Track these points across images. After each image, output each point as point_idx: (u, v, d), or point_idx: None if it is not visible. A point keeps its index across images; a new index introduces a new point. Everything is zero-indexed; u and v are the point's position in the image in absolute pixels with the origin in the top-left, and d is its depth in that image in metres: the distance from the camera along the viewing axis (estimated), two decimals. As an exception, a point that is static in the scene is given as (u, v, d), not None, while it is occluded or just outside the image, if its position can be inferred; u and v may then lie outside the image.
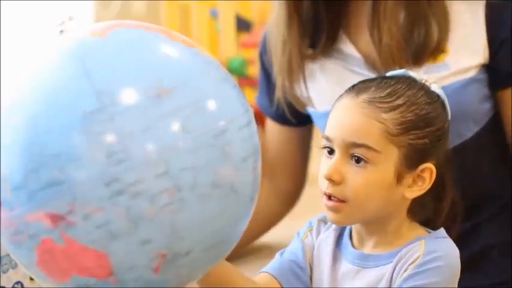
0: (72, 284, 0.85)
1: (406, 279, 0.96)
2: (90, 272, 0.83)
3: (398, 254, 0.99)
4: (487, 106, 1.26)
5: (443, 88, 1.14)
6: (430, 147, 1.00)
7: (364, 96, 1.00)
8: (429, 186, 1.01)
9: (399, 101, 1.00)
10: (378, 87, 1.01)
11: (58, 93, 0.82)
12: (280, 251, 1.10)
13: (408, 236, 1.02)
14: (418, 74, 1.06)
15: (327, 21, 1.29)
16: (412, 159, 0.99)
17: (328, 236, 1.07)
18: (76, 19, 2.49)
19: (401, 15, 1.22)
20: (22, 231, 0.83)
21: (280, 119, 1.42)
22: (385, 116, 0.99)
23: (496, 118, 1.28)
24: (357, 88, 1.02)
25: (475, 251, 1.27)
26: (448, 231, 1.03)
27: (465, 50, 1.24)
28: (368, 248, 1.03)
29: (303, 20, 1.29)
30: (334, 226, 1.07)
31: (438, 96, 1.04)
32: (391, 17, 1.22)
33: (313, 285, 1.07)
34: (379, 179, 0.98)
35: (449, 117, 1.05)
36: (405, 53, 1.22)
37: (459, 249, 1.02)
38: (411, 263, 0.97)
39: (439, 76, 1.22)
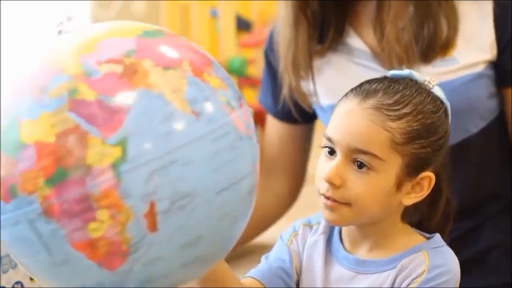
0: None
1: None
2: None
3: (400, 263, 0.98)
4: (494, 103, 1.26)
5: (451, 82, 1.15)
6: (431, 156, 1.01)
7: (372, 102, 0.99)
8: (427, 193, 1.01)
9: (406, 110, 0.99)
10: (385, 92, 1.01)
11: None
12: (265, 256, 1.10)
13: (404, 242, 1.02)
14: (421, 75, 1.05)
15: (334, 18, 1.29)
16: (413, 168, 0.99)
17: (317, 240, 1.07)
18: (75, 19, 2.48)
19: (410, 12, 1.23)
20: None
21: (283, 116, 1.42)
22: (392, 124, 0.98)
23: (502, 116, 1.28)
24: (364, 91, 1.01)
25: (476, 251, 1.27)
26: (442, 230, 1.04)
27: (473, 46, 1.24)
28: (362, 253, 1.03)
29: (310, 18, 1.29)
30: (321, 230, 1.07)
31: (442, 102, 1.03)
32: (396, 15, 1.22)
33: None
34: (380, 186, 0.98)
35: (450, 122, 1.05)
36: (411, 51, 1.22)
37: (460, 249, 1.03)
38: (416, 277, 0.97)
39: (447, 70, 1.22)
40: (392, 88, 1.02)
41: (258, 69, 3.76)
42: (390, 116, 0.99)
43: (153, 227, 0.80)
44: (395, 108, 0.99)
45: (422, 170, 1.01)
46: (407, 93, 1.01)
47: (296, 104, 1.36)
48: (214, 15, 4.05)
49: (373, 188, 0.98)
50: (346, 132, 1.00)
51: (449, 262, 0.99)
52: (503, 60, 1.25)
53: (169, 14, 3.86)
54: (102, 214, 0.78)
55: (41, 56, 0.87)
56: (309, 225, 1.09)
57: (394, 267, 1.00)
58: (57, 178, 0.78)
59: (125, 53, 0.83)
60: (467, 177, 1.23)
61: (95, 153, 0.78)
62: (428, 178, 1.01)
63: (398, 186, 1.00)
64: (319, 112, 1.35)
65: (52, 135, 0.79)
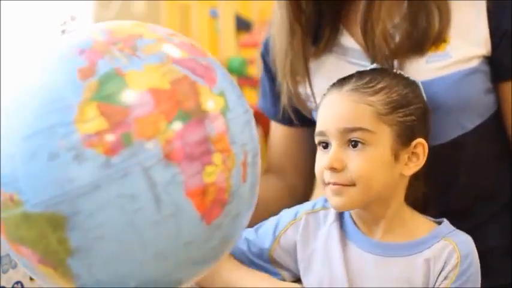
0: None
1: None
2: None
3: (431, 253, 1.04)
4: (491, 99, 1.26)
5: (446, 77, 1.16)
6: (417, 124, 1.07)
7: (348, 87, 1.07)
8: (424, 160, 1.06)
9: (381, 85, 1.07)
10: (358, 77, 1.08)
11: None
12: (255, 227, 1.17)
13: (418, 225, 1.07)
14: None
15: (329, 18, 1.29)
16: (404, 137, 1.05)
17: (330, 229, 1.10)
18: (78, 19, 2.49)
19: (403, 9, 1.23)
20: None
21: (285, 121, 1.42)
22: (372, 98, 1.05)
23: (499, 113, 1.28)
24: (338, 82, 1.09)
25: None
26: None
27: (467, 40, 1.24)
28: (379, 235, 1.06)
29: (305, 24, 1.29)
30: (332, 218, 1.10)
31: (409, 78, 1.12)
32: (387, 13, 1.22)
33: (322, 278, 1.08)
34: (378, 158, 1.03)
35: (425, 99, 1.12)
36: (400, 50, 1.22)
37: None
38: (452, 269, 1.02)
39: (441, 65, 1.22)
40: (364, 73, 1.10)
41: (258, 69, 3.76)
42: (368, 92, 1.05)
43: (244, 177, 0.85)
44: (370, 85, 1.06)
45: (413, 138, 1.06)
46: (377, 73, 1.10)
47: (296, 111, 1.36)
48: (214, 15, 4.05)
49: (373, 161, 1.03)
50: (333, 119, 1.05)
51: (473, 251, 1.06)
52: (498, 54, 1.25)
53: (169, 14, 3.86)
54: (217, 158, 0.82)
55: (108, 27, 0.88)
56: (312, 212, 1.12)
57: (419, 252, 1.05)
58: (180, 120, 0.81)
59: (172, 32, 0.89)
60: (463, 176, 1.24)
61: (207, 99, 0.84)
62: (421, 145, 1.07)
63: (395, 156, 1.05)
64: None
65: (166, 82, 0.82)
